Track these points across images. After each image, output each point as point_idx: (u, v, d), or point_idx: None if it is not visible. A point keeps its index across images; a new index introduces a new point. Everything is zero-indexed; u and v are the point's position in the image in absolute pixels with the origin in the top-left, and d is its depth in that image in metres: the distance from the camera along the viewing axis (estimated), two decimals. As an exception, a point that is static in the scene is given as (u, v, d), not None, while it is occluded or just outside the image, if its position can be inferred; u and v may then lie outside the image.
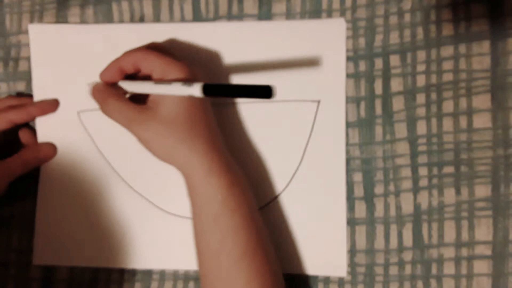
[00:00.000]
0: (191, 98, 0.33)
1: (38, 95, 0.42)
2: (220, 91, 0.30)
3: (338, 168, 0.39)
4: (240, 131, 0.40)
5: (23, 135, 0.42)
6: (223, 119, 0.40)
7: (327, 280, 0.39)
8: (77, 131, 0.41)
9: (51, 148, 0.41)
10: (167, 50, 0.36)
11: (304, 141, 0.40)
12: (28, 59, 0.43)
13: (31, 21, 0.43)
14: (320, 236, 0.39)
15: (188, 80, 0.33)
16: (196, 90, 0.30)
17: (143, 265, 0.41)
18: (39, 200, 0.42)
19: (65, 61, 0.42)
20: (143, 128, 0.33)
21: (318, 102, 0.40)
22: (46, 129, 0.42)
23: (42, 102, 0.41)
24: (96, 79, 0.38)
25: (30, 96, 0.43)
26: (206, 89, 0.30)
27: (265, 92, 0.28)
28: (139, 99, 0.36)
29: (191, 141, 0.33)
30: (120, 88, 0.36)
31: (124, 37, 0.41)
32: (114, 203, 0.41)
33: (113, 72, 0.35)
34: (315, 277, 0.40)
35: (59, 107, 0.42)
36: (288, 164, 0.40)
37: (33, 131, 0.42)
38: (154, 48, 0.36)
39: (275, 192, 0.40)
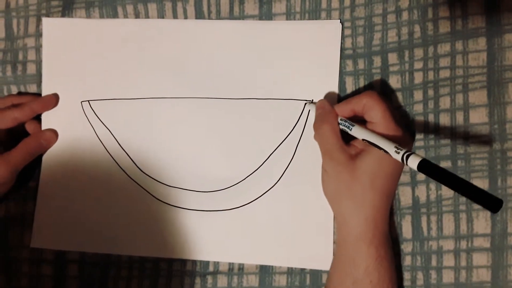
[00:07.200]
0: (389, 172, 0.34)
1: (47, 84, 0.43)
2: (438, 175, 0.27)
3: None
4: (234, 126, 0.42)
5: (29, 126, 0.43)
6: (216, 113, 0.42)
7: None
8: (79, 119, 0.43)
9: (52, 133, 0.43)
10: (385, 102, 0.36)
11: (296, 138, 0.41)
12: (35, 62, 0.44)
13: (37, 24, 0.44)
14: (308, 230, 0.40)
15: (403, 146, 0.33)
16: (413, 161, 0.29)
17: (139, 252, 0.42)
18: (41, 187, 0.43)
19: (74, 53, 0.43)
20: (330, 164, 0.36)
21: (311, 101, 0.41)
22: (51, 117, 0.43)
23: (43, 98, 0.43)
24: (103, 70, 0.42)
25: (30, 94, 0.44)
26: (422, 165, 0.28)
27: (492, 203, 0.24)
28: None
29: (361, 202, 0.35)
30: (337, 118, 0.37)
31: (131, 32, 0.43)
32: (111, 190, 0.42)
33: (345, 110, 0.37)
34: (317, 271, 0.41)
35: (64, 96, 0.43)
36: (280, 159, 0.41)
37: (38, 121, 0.43)
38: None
39: (266, 187, 0.41)
